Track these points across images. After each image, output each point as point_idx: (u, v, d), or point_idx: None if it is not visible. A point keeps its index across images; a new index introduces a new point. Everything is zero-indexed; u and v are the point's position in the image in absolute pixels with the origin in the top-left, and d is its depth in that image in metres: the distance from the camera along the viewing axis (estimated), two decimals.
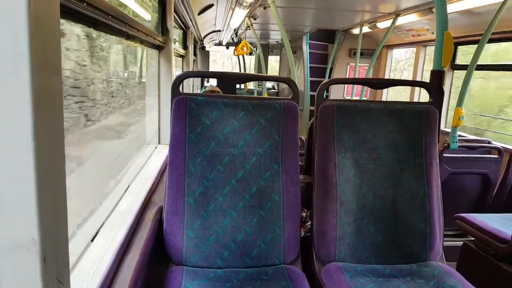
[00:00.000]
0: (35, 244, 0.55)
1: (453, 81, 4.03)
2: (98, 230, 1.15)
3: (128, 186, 1.56)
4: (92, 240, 1.09)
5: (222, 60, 17.84)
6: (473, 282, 1.29)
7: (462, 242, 2.05)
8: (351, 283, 1.25)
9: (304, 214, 1.59)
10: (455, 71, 4.00)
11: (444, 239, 1.53)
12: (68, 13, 0.89)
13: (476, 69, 2.73)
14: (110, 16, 1.14)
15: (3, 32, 0.49)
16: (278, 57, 9.63)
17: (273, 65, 10.28)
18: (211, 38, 8.42)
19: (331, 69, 5.81)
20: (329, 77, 5.81)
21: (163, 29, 2.26)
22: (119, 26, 1.29)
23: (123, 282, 0.96)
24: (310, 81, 5.52)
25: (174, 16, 2.77)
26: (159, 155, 2.13)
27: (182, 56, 4.40)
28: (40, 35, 0.52)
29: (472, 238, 1.99)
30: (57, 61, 0.60)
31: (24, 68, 0.50)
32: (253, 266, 1.33)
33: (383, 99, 5.34)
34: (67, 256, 0.68)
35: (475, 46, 2.67)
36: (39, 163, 0.54)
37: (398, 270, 1.37)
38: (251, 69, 10.12)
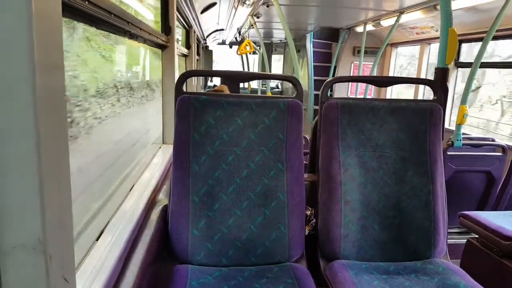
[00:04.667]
0: (40, 243, 0.55)
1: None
2: (103, 229, 1.15)
3: (133, 186, 1.57)
4: (97, 239, 1.10)
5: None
6: (477, 279, 1.28)
7: (466, 240, 2.04)
8: (356, 280, 1.25)
9: (308, 212, 1.59)
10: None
11: (448, 236, 1.53)
12: (70, 12, 0.90)
13: (480, 67, 2.71)
14: (112, 15, 1.14)
15: (3, 30, 0.49)
16: (281, 58, 9.61)
17: (276, 66, 10.25)
18: (214, 37, 8.42)
19: (335, 67, 5.80)
20: (333, 75, 5.80)
21: (166, 28, 2.25)
22: (121, 25, 1.29)
23: (128, 280, 0.97)
24: (314, 80, 5.51)
25: (177, 15, 2.77)
26: (163, 154, 2.13)
27: (185, 56, 4.40)
28: (41, 34, 0.52)
29: (476, 236, 1.98)
30: (59, 60, 0.60)
31: (25, 67, 0.50)
32: (258, 264, 1.33)
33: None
34: (73, 255, 0.68)
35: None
36: (43, 162, 0.54)
37: (403, 267, 1.36)
38: (254, 70, 10.12)
